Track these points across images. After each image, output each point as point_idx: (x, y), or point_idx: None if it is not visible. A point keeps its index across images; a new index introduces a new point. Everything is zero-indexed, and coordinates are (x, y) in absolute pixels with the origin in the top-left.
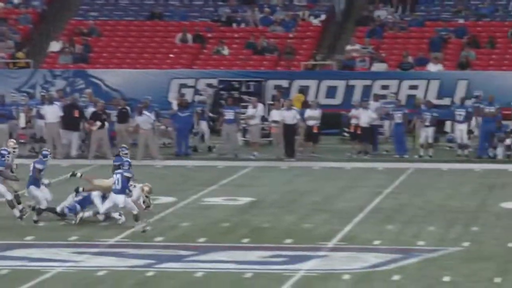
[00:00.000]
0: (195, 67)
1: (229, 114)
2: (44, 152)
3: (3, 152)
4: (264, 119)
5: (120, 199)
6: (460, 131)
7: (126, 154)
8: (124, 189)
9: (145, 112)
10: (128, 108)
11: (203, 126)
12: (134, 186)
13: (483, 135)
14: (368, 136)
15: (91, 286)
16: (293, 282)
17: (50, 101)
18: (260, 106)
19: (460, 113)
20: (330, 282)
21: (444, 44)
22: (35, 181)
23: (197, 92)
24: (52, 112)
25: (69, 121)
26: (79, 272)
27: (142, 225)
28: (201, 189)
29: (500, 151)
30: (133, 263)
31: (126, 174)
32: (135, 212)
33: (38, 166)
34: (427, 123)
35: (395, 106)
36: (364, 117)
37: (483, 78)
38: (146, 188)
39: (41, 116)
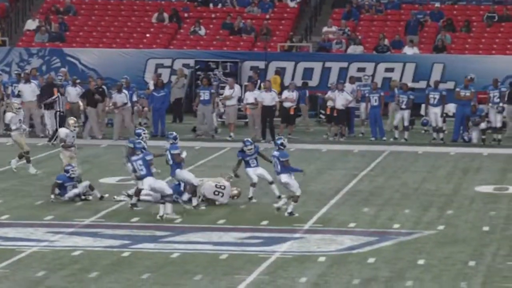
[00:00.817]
0: (172, 47)
1: (204, 95)
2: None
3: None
4: (240, 100)
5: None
6: (434, 114)
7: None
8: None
9: (124, 90)
10: (104, 87)
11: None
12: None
13: (458, 119)
14: (343, 119)
15: (66, 266)
16: (268, 263)
17: (27, 80)
18: (237, 87)
19: (434, 96)
20: (305, 264)
21: (420, 28)
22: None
23: (173, 72)
24: (30, 91)
25: (47, 99)
26: (54, 252)
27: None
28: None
29: (475, 135)
30: (109, 243)
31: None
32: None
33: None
34: (403, 106)
35: (371, 89)
36: (339, 99)
37: (459, 62)
38: (234, 192)
39: (17, 95)
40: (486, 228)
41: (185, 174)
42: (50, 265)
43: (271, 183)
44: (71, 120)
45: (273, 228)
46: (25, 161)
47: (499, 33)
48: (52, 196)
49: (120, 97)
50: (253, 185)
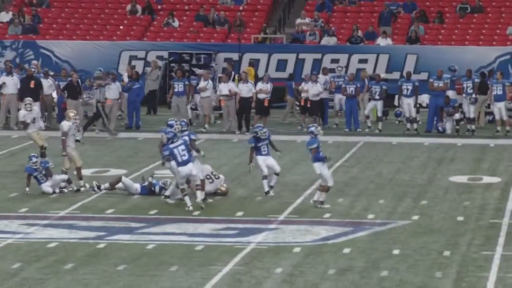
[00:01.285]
0: (145, 39)
1: (178, 87)
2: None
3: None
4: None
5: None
6: (408, 105)
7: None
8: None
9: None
10: (79, 80)
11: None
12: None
13: (432, 109)
14: (317, 110)
15: (42, 258)
16: (244, 254)
17: (10, 72)
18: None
19: (407, 87)
20: (281, 254)
21: (394, 19)
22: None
23: (147, 64)
24: (13, 84)
25: (27, 92)
26: (30, 244)
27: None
28: (152, 162)
29: (449, 126)
30: (84, 235)
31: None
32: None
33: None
34: (376, 97)
35: (347, 80)
36: (312, 90)
37: (432, 52)
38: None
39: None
40: (460, 218)
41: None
42: (26, 257)
43: (277, 174)
44: (71, 113)
45: (248, 219)
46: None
47: (472, 24)
48: (27, 189)
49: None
50: (265, 177)
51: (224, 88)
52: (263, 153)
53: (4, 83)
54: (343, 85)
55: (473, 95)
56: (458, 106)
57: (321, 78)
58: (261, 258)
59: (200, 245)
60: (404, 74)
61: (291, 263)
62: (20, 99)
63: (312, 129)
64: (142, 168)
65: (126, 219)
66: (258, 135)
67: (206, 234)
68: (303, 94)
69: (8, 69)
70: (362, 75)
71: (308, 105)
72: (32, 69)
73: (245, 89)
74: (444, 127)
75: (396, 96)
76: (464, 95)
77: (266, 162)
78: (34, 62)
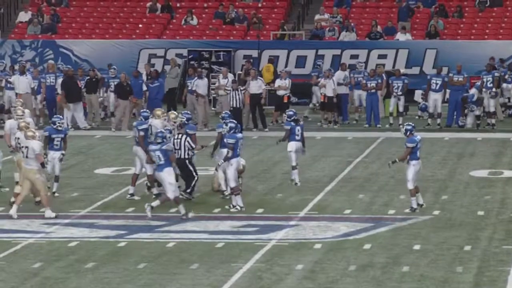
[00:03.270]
0: (165, 37)
1: (192, 85)
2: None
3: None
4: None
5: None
6: (434, 100)
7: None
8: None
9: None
10: (128, 81)
11: None
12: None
13: (452, 104)
14: (333, 105)
15: (63, 257)
16: (265, 251)
17: (23, 72)
18: (230, 76)
19: (437, 82)
20: (301, 251)
21: (412, 14)
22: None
23: (167, 62)
24: (25, 83)
25: (73, 93)
26: (51, 243)
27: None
28: None
29: (469, 120)
30: (104, 234)
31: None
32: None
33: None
34: (399, 92)
35: (367, 76)
36: (328, 86)
37: (452, 47)
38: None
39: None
40: (481, 213)
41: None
42: (47, 256)
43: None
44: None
45: (269, 216)
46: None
47: (491, 18)
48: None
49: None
50: (294, 167)
51: (254, 84)
52: (296, 138)
53: (9, 82)
54: (364, 81)
55: (493, 89)
56: (481, 100)
57: (340, 73)
58: (282, 255)
59: (221, 242)
60: (425, 69)
61: (312, 259)
62: (68, 100)
63: (405, 127)
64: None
65: (146, 218)
66: (296, 119)
67: (226, 232)
68: (322, 90)
69: (21, 68)
70: (378, 71)
71: (325, 101)
72: (64, 68)
73: (255, 86)
74: (465, 122)
75: (416, 92)
76: (484, 89)
77: (297, 146)
78: (50, 62)
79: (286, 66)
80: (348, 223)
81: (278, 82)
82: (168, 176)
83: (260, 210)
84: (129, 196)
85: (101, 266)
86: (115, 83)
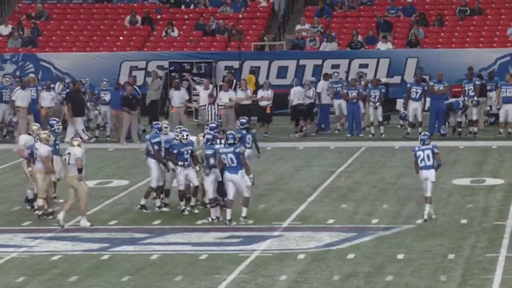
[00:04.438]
0: (146, 49)
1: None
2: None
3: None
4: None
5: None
6: (414, 109)
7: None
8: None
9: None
10: (136, 90)
11: None
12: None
13: (433, 113)
14: (308, 115)
15: (46, 271)
16: (248, 262)
17: (24, 86)
18: (211, 87)
19: (417, 91)
20: (285, 261)
21: (391, 28)
22: None
23: (148, 74)
24: (26, 97)
25: (79, 106)
26: (34, 257)
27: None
28: None
29: (452, 120)
30: (88, 247)
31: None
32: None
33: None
34: (376, 101)
35: (348, 85)
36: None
37: (433, 56)
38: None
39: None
40: (464, 221)
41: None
42: (30, 271)
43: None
44: (34, 126)
45: (252, 227)
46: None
47: (472, 27)
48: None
49: (179, 93)
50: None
51: (224, 96)
52: (247, 145)
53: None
54: (344, 90)
55: (475, 98)
56: (465, 108)
57: (323, 83)
58: (265, 266)
59: (204, 254)
60: (406, 78)
61: (295, 270)
62: (74, 114)
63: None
64: (144, 178)
65: (129, 230)
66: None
67: (210, 243)
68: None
69: (23, 83)
70: (364, 81)
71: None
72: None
73: (244, 97)
74: (446, 131)
75: (398, 100)
76: (466, 97)
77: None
78: (31, 75)
79: (267, 77)
80: (332, 233)
81: (260, 93)
82: (241, 178)
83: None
84: (138, 207)
85: (84, 279)
86: (106, 95)
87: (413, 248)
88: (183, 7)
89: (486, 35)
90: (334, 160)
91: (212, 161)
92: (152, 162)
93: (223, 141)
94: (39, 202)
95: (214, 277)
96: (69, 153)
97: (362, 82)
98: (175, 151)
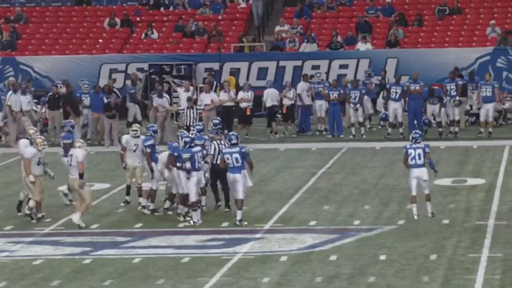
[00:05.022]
0: (125, 52)
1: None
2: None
3: None
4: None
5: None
6: (394, 109)
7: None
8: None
9: (165, 95)
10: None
11: None
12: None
13: (411, 113)
14: (289, 116)
15: (27, 276)
16: (231, 264)
17: (24, 92)
18: (192, 89)
19: (396, 91)
20: (268, 264)
21: (371, 29)
22: None
23: (128, 77)
24: (26, 102)
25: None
26: (15, 262)
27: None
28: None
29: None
30: (69, 251)
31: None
32: None
33: None
34: (355, 102)
35: (330, 86)
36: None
37: (413, 55)
38: None
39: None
40: (446, 221)
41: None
42: (11, 275)
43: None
44: (39, 139)
45: (234, 230)
46: None
47: (451, 26)
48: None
49: (162, 101)
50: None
51: (206, 98)
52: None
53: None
54: (327, 91)
55: (457, 98)
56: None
57: (303, 84)
58: (248, 268)
59: (187, 257)
60: (387, 77)
61: (278, 272)
62: (65, 117)
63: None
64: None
65: (111, 234)
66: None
67: (192, 246)
68: (284, 102)
69: (23, 88)
70: (343, 81)
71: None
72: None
73: (226, 98)
74: (428, 119)
75: (378, 101)
76: (448, 97)
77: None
78: (11, 79)
79: (247, 79)
80: (314, 235)
81: (240, 95)
82: (243, 178)
83: (225, 224)
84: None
85: (66, 283)
86: (87, 98)
87: (395, 249)
88: (162, 9)
89: (465, 35)
90: (315, 162)
91: (188, 164)
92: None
93: (222, 142)
94: (31, 203)
95: (196, 280)
96: (71, 155)
97: (371, 80)
98: (187, 155)
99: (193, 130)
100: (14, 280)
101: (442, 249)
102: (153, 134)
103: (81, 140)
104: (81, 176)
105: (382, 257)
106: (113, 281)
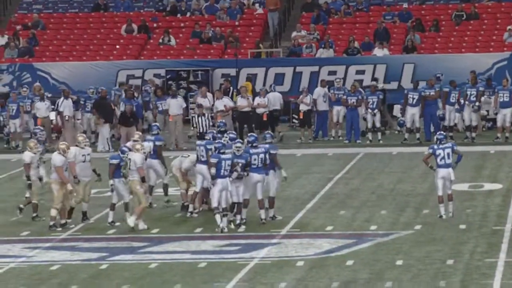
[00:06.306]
0: (142, 58)
1: (162, 105)
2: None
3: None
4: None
5: None
6: (412, 115)
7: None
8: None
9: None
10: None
11: None
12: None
13: (427, 119)
14: (306, 122)
15: (45, 281)
16: (247, 270)
17: (42, 98)
18: (209, 95)
19: (414, 97)
20: (284, 269)
21: (389, 36)
22: None
23: (145, 83)
24: (45, 108)
25: (107, 114)
26: (32, 267)
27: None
28: None
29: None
30: (86, 257)
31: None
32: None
33: None
34: (373, 107)
35: (348, 91)
36: (305, 103)
37: (429, 61)
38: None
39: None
40: (463, 226)
41: None
42: (29, 281)
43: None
44: (81, 137)
45: (251, 235)
46: None
47: (468, 31)
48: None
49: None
50: None
51: (219, 104)
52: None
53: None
54: (344, 97)
55: (476, 103)
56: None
57: (320, 90)
58: (264, 273)
59: (203, 262)
60: (403, 83)
61: (295, 277)
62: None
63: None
64: None
65: (127, 239)
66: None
67: (209, 251)
68: (301, 107)
69: (41, 94)
70: (352, 87)
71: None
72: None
73: (244, 104)
74: (443, 113)
75: (395, 106)
76: (467, 102)
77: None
78: (37, 84)
79: (264, 84)
80: (330, 240)
81: (257, 100)
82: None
83: (241, 229)
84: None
85: None
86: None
87: (412, 254)
88: (179, 15)
89: (482, 40)
90: (332, 167)
91: (213, 170)
92: (203, 169)
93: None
94: (52, 212)
95: (213, 285)
96: (129, 158)
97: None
98: (214, 160)
99: (226, 137)
100: (31, 286)
101: (459, 254)
102: (159, 131)
103: (141, 143)
104: (143, 179)
105: (399, 262)
106: (130, 286)
